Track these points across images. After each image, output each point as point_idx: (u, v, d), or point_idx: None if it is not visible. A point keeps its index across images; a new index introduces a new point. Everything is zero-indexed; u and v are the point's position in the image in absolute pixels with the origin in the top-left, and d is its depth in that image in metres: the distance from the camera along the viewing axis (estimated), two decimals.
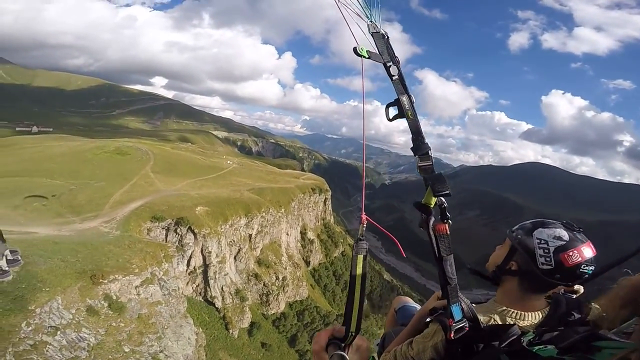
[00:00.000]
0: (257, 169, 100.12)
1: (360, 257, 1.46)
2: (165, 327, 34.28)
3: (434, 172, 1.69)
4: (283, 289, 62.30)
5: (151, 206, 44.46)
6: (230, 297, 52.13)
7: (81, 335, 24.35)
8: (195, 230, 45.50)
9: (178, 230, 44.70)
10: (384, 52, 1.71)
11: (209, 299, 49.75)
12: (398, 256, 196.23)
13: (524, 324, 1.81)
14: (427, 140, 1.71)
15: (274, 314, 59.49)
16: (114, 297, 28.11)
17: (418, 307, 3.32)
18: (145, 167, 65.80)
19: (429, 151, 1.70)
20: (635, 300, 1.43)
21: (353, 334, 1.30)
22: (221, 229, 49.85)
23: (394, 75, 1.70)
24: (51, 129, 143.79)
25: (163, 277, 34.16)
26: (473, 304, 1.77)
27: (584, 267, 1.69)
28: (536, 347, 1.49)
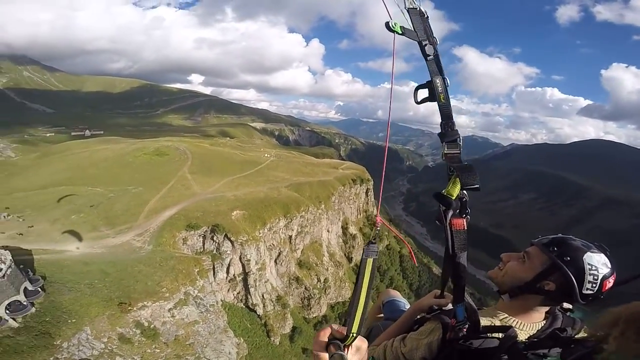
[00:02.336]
0: (294, 160, 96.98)
1: (370, 261, 1.40)
2: (205, 345, 32.23)
3: (461, 161, 1.68)
4: (325, 292, 59.21)
5: (186, 213, 42.70)
6: (272, 303, 49.83)
7: None
8: (232, 238, 43.12)
9: (215, 238, 42.56)
10: (420, 29, 1.66)
11: (250, 306, 47.75)
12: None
13: (521, 334, 1.78)
14: (456, 127, 1.72)
15: (315, 317, 56.66)
16: (146, 324, 26.00)
17: (405, 302, 3.37)
18: (183, 167, 65.10)
19: (458, 138, 1.70)
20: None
21: (355, 335, 1.28)
22: (259, 233, 47.19)
23: (429, 55, 1.66)
24: (102, 132, 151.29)
25: (199, 294, 31.93)
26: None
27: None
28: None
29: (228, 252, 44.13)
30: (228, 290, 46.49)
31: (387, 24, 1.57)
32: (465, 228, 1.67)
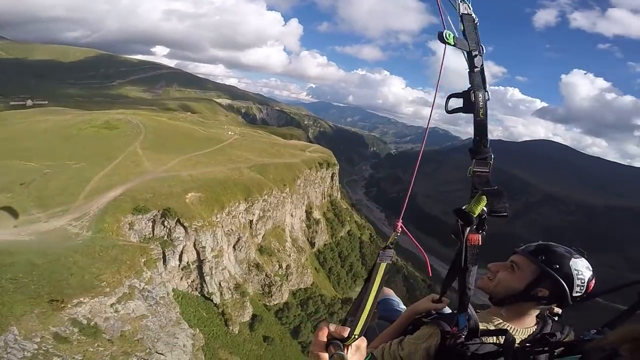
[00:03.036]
0: (260, 140, 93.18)
1: (383, 265, 1.45)
2: (155, 340, 29.78)
3: (489, 181, 1.68)
4: (286, 278, 58.05)
5: (133, 194, 38.78)
6: (230, 292, 47.83)
7: None
8: (186, 224, 40.09)
9: (166, 223, 39.28)
10: (472, 38, 1.58)
11: (206, 295, 45.42)
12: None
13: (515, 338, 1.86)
14: (489, 145, 1.68)
15: (276, 304, 55.59)
16: (84, 321, 23.08)
17: (399, 301, 3.43)
18: (134, 142, 59.55)
19: (490, 157, 1.68)
20: None
21: (356, 337, 1.29)
22: (217, 218, 44.43)
23: (476, 67, 1.59)
24: (46, 102, 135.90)
25: (146, 287, 29.12)
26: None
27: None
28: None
29: (180, 238, 41.06)
30: (181, 279, 43.71)
31: (440, 35, 1.48)
32: (480, 243, 1.71)
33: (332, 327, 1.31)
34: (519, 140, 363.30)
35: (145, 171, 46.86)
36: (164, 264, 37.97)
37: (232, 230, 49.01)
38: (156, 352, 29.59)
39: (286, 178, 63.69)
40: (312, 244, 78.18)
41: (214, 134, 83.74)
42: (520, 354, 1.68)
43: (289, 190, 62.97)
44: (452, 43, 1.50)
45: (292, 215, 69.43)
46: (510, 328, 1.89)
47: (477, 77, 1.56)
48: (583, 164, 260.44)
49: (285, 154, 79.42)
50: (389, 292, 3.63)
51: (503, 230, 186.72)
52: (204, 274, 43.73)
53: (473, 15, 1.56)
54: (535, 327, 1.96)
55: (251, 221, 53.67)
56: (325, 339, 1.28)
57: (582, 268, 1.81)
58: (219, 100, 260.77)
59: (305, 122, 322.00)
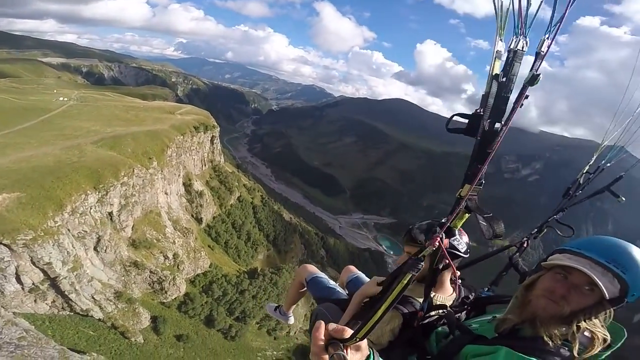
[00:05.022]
0: (108, 104, 72.89)
1: (408, 277, 1.47)
2: None
3: (479, 206, 1.74)
4: (178, 268, 48.69)
5: None
6: (111, 303, 37.02)
7: None
8: (5, 241, 26.67)
9: None
10: (515, 74, 1.49)
11: (81, 312, 33.86)
12: (288, 183, 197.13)
13: (444, 302, 2.41)
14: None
15: (175, 298, 46.62)
16: None
17: (326, 277, 3.76)
18: None
19: (482, 184, 1.76)
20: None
21: (358, 339, 1.29)
22: (54, 223, 31.26)
23: (522, 104, 1.52)
24: None
25: None
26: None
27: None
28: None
29: (6, 259, 27.77)
30: (35, 301, 30.93)
31: (531, 79, 1.36)
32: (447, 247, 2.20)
33: (331, 326, 1.28)
34: (379, 99, 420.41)
35: None
36: None
37: (85, 231, 36.20)
38: None
39: (152, 150, 51.01)
40: (199, 220, 68.42)
41: (35, 103, 61.35)
42: (451, 317, 2.11)
43: (158, 164, 50.86)
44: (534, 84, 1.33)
45: (166, 194, 57.72)
46: (440, 298, 2.38)
47: (511, 115, 1.43)
48: (426, 119, 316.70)
49: (148, 119, 64.18)
50: (314, 270, 3.89)
51: (370, 174, 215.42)
52: (66, 293, 31.66)
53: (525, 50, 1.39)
54: (453, 293, 2.48)
55: (110, 214, 41.09)
56: (323, 339, 1.26)
57: (424, 226, 2.52)
58: (46, 60, 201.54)
59: (173, 80, 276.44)
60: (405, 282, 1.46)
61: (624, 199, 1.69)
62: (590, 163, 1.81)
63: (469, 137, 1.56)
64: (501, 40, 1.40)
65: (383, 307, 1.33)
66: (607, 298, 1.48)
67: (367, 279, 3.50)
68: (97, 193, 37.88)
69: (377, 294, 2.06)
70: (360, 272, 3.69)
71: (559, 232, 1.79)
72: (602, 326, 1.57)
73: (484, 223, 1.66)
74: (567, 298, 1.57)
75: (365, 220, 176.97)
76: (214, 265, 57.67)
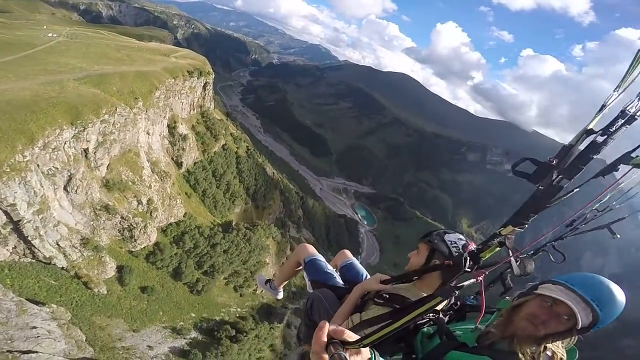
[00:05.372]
0: (100, 42, 66.64)
1: (437, 300, 1.55)
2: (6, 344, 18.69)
3: (513, 244, 1.93)
4: (151, 215, 47.09)
5: None
6: (77, 251, 35.64)
7: None
8: None
9: None
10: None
11: (44, 260, 32.45)
12: (276, 137, 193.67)
13: (438, 307, 2.38)
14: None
15: (144, 248, 45.63)
16: None
17: (325, 261, 3.72)
18: None
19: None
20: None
21: (362, 346, 1.30)
22: (22, 157, 28.46)
23: (592, 155, 1.59)
24: None
25: None
26: (399, 285, 2.62)
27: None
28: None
29: None
30: None
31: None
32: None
33: (331, 327, 1.29)
34: (384, 70, 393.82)
35: None
36: None
37: (57, 168, 33.54)
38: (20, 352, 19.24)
39: (139, 90, 47.02)
40: (179, 165, 65.79)
41: (21, 38, 54.98)
42: (441, 322, 2.23)
43: (144, 104, 47.11)
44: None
45: (148, 134, 54.35)
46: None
47: (580, 164, 1.47)
48: (425, 99, 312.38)
49: (140, 59, 59.10)
50: (313, 251, 3.78)
51: (359, 142, 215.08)
52: (29, 238, 29.86)
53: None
54: None
55: (86, 150, 38.11)
56: (324, 339, 1.26)
57: (454, 238, 2.50)
58: None
59: (175, 23, 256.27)
60: (433, 304, 1.54)
61: (619, 235, 1.88)
62: (602, 201, 1.82)
63: (532, 183, 1.61)
64: (617, 94, 1.31)
65: (400, 323, 1.37)
66: (579, 328, 1.73)
67: (361, 267, 3.62)
68: (74, 129, 34.64)
69: (396, 308, 2.31)
70: (354, 259, 3.72)
71: (551, 257, 1.95)
72: (563, 347, 1.85)
73: (515, 260, 1.75)
74: (546, 323, 1.80)
75: (347, 187, 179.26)
76: (188, 215, 56.45)
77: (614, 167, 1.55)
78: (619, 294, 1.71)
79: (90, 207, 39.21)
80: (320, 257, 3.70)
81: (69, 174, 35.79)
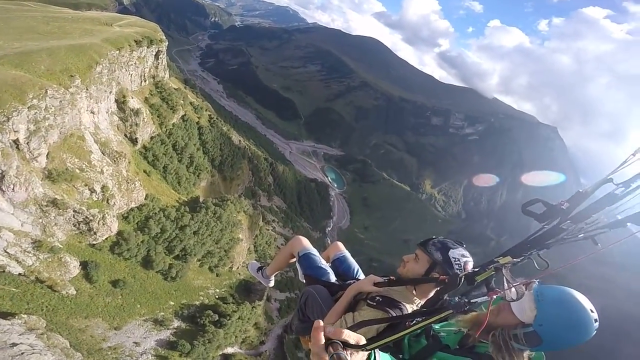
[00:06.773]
0: (23, 14, 55.83)
1: (447, 313, 1.67)
2: None
3: (510, 272, 2.01)
4: (108, 203, 43.19)
5: None
6: (30, 255, 31.94)
7: None
8: None
9: None
10: None
11: None
12: (239, 101, 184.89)
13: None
14: None
15: (107, 238, 42.28)
16: None
17: (319, 255, 3.69)
18: None
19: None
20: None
21: (365, 350, 1.32)
22: None
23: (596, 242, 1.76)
24: None
25: None
26: (392, 288, 2.60)
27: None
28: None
29: None
30: None
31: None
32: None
33: (329, 329, 1.29)
34: (353, 34, 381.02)
35: None
36: None
37: None
38: None
39: (75, 67, 40.59)
40: (134, 141, 60.29)
41: None
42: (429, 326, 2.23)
43: (83, 81, 41.00)
44: None
45: (93, 113, 48.35)
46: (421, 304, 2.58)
47: (593, 212, 1.60)
48: (392, 63, 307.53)
49: (74, 32, 50.89)
50: (307, 245, 3.75)
51: (327, 105, 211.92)
52: None
53: None
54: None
55: (16, 141, 33.02)
56: (323, 339, 1.27)
57: (457, 255, 2.47)
58: None
59: None
60: (443, 316, 1.63)
61: (600, 246, 1.95)
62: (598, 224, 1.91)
63: (538, 222, 1.73)
64: None
65: (407, 331, 1.44)
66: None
67: (354, 261, 3.68)
68: None
69: (375, 294, 2.52)
70: (347, 252, 3.77)
71: (535, 265, 2.00)
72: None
73: (508, 285, 1.83)
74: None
75: (316, 149, 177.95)
76: (151, 197, 52.71)
77: (623, 224, 1.52)
78: (580, 323, 1.87)
79: (35, 204, 34.92)
80: (314, 252, 3.69)
81: (0, 171, 31.10)
